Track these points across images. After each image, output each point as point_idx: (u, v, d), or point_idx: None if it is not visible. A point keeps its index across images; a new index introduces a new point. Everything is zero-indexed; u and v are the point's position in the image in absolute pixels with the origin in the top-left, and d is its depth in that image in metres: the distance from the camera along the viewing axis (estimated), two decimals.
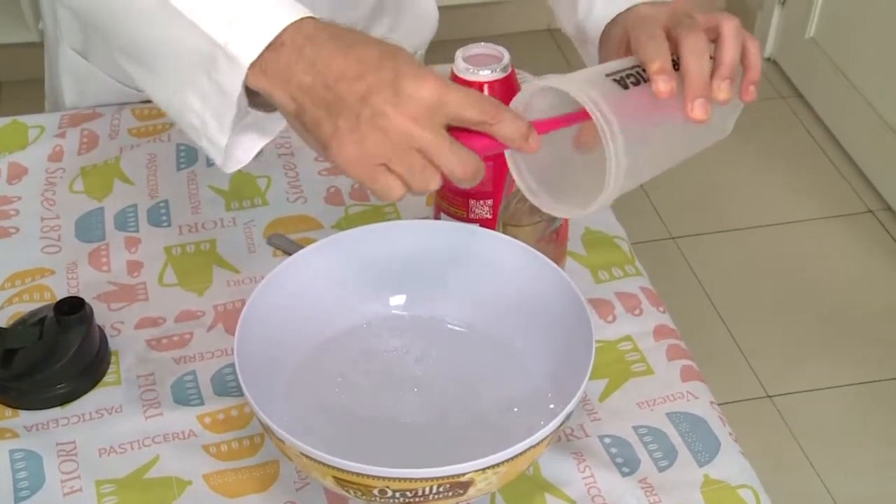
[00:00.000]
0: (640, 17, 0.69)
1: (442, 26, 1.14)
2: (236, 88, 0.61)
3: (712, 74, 0.65)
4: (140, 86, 0.68)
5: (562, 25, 0.88)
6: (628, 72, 0.66)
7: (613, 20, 0.74)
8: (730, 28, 0.66)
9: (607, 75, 0.65)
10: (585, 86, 0.62)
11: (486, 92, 0.79)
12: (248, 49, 0.60)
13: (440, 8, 1.14)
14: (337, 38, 0.60)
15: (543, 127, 0.63)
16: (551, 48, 2.45)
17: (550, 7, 0.91)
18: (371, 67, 0.58)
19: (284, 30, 0.60)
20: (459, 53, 0.80)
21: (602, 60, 0.75)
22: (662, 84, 0.63)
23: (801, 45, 2.29)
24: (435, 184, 0.60)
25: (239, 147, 0.67)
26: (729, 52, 0.66)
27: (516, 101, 0.65)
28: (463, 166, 0.59)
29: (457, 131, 0.60)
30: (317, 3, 1.01)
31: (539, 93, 0.65)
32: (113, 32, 0.68)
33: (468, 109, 0.59)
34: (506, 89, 0.79)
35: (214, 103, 0.63)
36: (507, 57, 0.80)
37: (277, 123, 0.67)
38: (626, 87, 0.64)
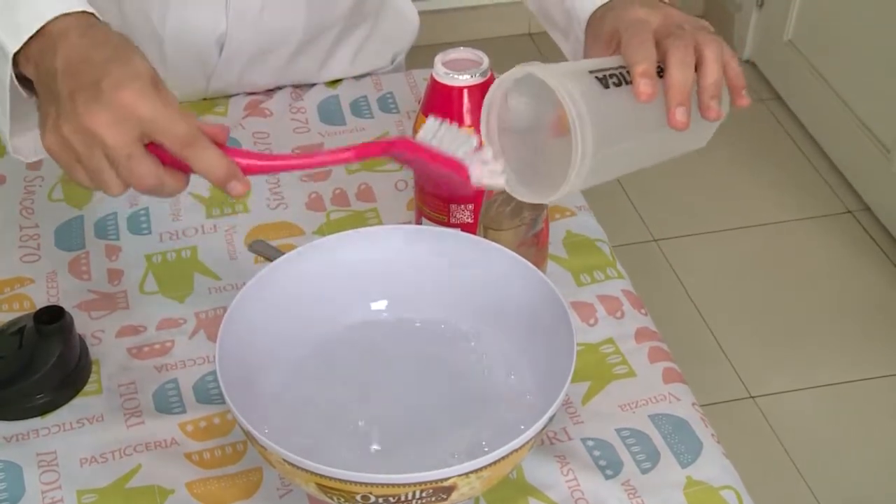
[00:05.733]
0: (634, 20, 0.70)
1: (421, 31, 1.15)
2: (6, 77, 0.64)
3: (699, 95, 0.67)
4: None
5: (545, 16, 0.88)
6: (612, 71, 0.66)
7: (602, 15, 0.74)
8: (711, 51, 0.68)
9: (590, 72, 0.66)
10: (565, 79, 0.63)
11: (465, 97, 0.79)
12: (13, 39, 0.63)
13: (420, 13, 1.14)
14: (86, 36, 0.63)
15: (264, 167, 0.65)
16: (531, 52, 2.45)
17: (529, 9, 0.92)
18: (89, 67, 0.61)
19: (52, 21, 0.63)
20: (438, 58, 0.80)
21: (588, 54, 0.76)
22: (643, 86, 0.65)
23: (779, 48, 2.30)
24: (113, 189, 0.62)
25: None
26: (711, 75, 0.67)
27: (496, 86, 0.66)
28: (138, 179, 0.61)
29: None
30: (290, 6, 1.01)
31: (517, 82, 0.65)
32: None
33: (160, 134, 0.61)
34: (485, 94, 0.79)
35: None
36: (486, 61, 0.80)
37: None
38: (606, 86, 0.65)
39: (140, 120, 0.60)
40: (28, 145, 0.70)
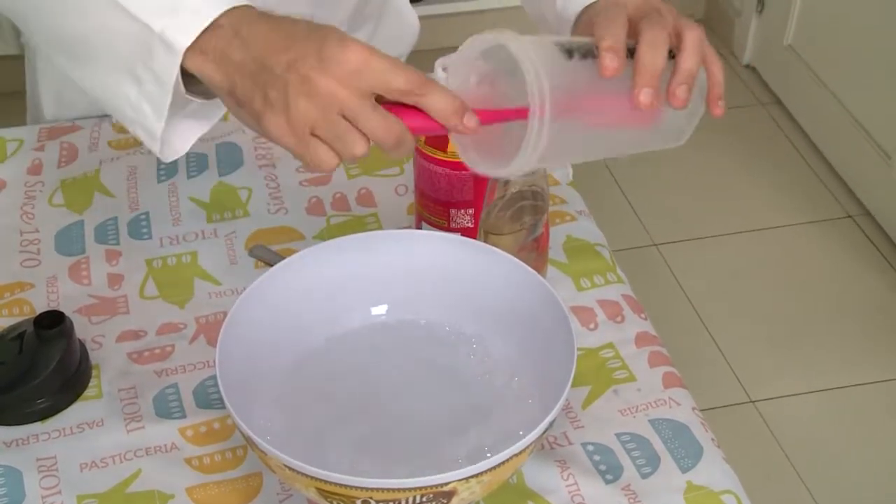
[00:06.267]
0: (611, 2, 0.69)
1: (422, 35, 1.15)
2: (172, 75, 0.62)
3: (670, 80, 0.65)
4: (72, 77, 0.68)
5: (541, 21, 0.88)
6: (578, 44, 0.64)
7: (585, 13, 0.74)
8: (691, 37, 0.66)
9: (555, 43, 0.64)
10: (527, 45, 0.61)
11: None
12: (184, 35, 0.61)
13: (420, 17, 1.15)
14: (270, 20, 0.61)
15: (485, 117, 0.62)
16: None
17: (527, 12, 0.92)
18: (298, 39, 0.59)
19: (222, 14, 0.61)
20: (439, 63, 0.80)
21: None
22: (608, 60, 0.63)
23: (779, 53, 2.31)
24: (360, 148, 0.60)
25: (177, 136, 0.67)
26: (687, 61, 0.66)
27: (456, 56, 0.64)
28: (386, 131, 0.59)
29: (393, 107, 0.60)
30: (291, 9, 1.01)
31: (480, 54, 0.64)
32: (41, 25, 0.67)
33: (393, 77, 0.59)
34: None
35: (150, 91, 0.63)
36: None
37: (216, 111, 0.67)
38: (570, 56, 0.63)
39: (373, 70, 0.58)
40: (177, 137, 0.67)
